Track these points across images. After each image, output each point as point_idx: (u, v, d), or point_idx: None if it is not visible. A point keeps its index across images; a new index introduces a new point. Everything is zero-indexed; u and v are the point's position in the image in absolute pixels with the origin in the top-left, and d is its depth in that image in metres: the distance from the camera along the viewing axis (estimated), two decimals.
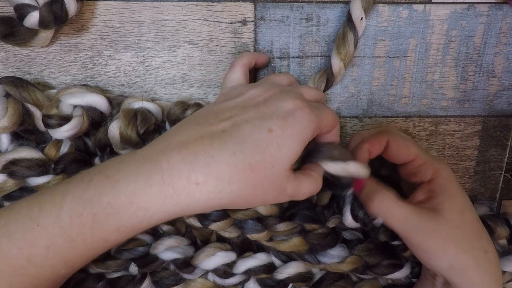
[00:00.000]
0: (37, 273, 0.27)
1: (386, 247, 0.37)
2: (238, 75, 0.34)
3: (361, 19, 0.35)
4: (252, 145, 0.26)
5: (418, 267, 0.38)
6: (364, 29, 0.37)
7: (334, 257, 0.36)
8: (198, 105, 0.35)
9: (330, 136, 0.31)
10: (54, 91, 0.36)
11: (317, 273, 0.39)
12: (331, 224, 0.37)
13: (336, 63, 0.36)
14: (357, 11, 0.35)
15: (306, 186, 0.29)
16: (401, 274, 0.37)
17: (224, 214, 0.35)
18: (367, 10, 0.35)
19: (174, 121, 0.35)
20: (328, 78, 0.37)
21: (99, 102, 0.35)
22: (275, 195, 0.28)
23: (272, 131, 0.26)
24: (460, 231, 0.32)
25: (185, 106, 0.35)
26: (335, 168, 0.30)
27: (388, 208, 0.32)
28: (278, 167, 0.27)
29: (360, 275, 0.39)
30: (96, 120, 0.35)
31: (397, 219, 0.32)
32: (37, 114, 0.34)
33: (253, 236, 0.36)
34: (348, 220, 0.36)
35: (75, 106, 0.34)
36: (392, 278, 0.38)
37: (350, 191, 0.35)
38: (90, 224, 0.26)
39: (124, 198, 0.26)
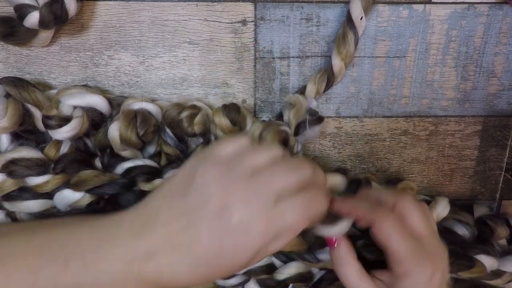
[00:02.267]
0: None
1: None
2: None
3: (361, 18, 0.35)
4: (206, 260, 0.27)
5: None
6: (364, 29, 0.37)
7: None
8: (194, 107, 0.35)
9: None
10: (54, 91, 0.36)
11: (317, 273, 0.39)
12: None
13: (337, 63, 0.36)
14: (356, 10, 0.35)
15: (271, 249, 0.28)
16: None
17: None
18: (366, 9, 0.35)
19: (170, 123, 0.35)
20: (329, 78, 0.37)
21: (99, 103, 0.35)
22: (241, 269, 0.30)
23: (264, 250, 0.27)
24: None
25: (180, 108, 0.35)
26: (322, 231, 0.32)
27: (350, 280, 0.32)
28: (238, 266, 0.27)
29: None
30: (96, 121, 0.35)
31: None
32: (37, 114, 0.34)
33: None
34: None
35: (75, 107, 0.34)
36: None
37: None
38: None
39: None
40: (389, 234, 0.30)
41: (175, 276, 0.26)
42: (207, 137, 0.37)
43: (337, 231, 0.32)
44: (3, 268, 0.26)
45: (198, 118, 0.35)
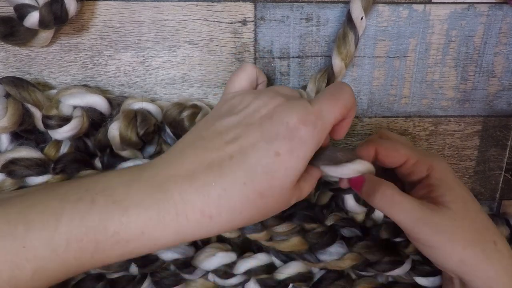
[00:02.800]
0: None
1: (387, 244, 0.37)
2: (243, 82, 0.32)
3: (361, 18, 0.35)
4: (261, 173, 0.25)
5: (420, 264, 0.38)
6: (364, 29, 0.37)
7: (333, 255, 0.36)
8: (195, 107, 0.35)
9: (344, 125, 0.30)
10: (54, 91, 0.36)
11: (317, 273, 0.39)
12: (329, 221, 0.37)
13: (337, 63, 0.36)
14: (357, 10, 0.35)
15: (306, 191, 0.29)
16: (401, 271, 0.37)
17: None
18: (367, 9, 0.35)
19: (171, 123, 0.35)
20: (329, 78, 0.37)
21: (99, 102, 0.35)
22: (281, 208, 0.28)
23: (280, 155, 0.26)
24: (465, 223, 0.31)
25: (181, 107, 0.35)
26: (336, 171, 0.30)
27: (391, 200, 0.31)
28: (286, 189, 0.26)
29: (361, 272, 0.39)
30: (96, 121, 0.35)
31: (400, 211, 0.31)
32: (37, 114, 0.34)
33: (253, 236, 0.36)
34: (350, 204, 0.35)
35: (75, 107, 0.34)
36: (392, 274, 0.38)
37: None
38: (91, 250, 0.24)
39: (135, 229, 0.25)
40: (395, 149, 0.33)
41: (225, 197, 0.25)
42: None
43: (358, 168, 0.30)
44: (24, 218, 0.24)
45: (199, 118, 0.35)
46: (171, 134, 0.36)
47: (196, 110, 0.35)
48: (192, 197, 0.25)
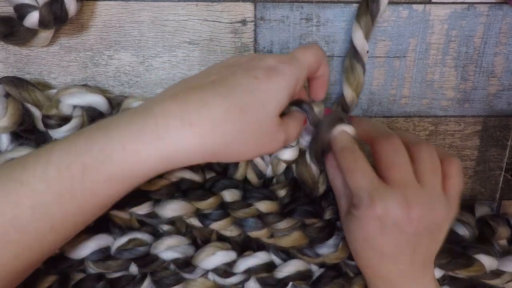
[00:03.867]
0: (21, 239, 0.25)
1: None
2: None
3: (367, 52, 0.36)
4: (241, 90, 0.27)
5: None
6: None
7: (331, 247, 0.36)
8: None
9: (321, 72, 0.32)
10: (54, 91, 0.36)
11: (316, 271, 0.39)
12: (327, 215, 0.37)
13: (349, 94, 0.37)
14: (359, 41, 0.36)
15: (294, 127, 0.31)
16: None
17: (224, 213, 0.35)
18: (368, 36, 0.36)
19: None
20: (343, 108, 0.38)
21: (99, 102, 0.35)
22: (267, 141, 0.29)
23: (258, 78, 0.27)
24: None
25: None
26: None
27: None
28: (267, 111, 0.28)
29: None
30: (96, 121, 0.35)
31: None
32: (37, 114, 0.34)
33: (254, 234, 0.36)
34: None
35: (74, 107, 0.34)
36: None
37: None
38: (79, 176, 0.25)
39: (117, 144, 0.25)
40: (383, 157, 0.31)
41: (206, 107, 0.26)
42: None
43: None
44: (19, 162, 0.27)
45: None
46: None
47: None
48: (172, 108, 0.26)
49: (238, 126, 0.27)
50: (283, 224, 0.35)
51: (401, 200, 0.29)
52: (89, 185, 0.26)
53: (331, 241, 0.37)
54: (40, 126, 0.35)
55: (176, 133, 0.26)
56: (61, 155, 0.26)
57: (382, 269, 0.31)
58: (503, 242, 0.39)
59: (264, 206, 0.35)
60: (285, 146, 0.33)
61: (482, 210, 0.42)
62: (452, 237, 0.39)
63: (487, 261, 0.37)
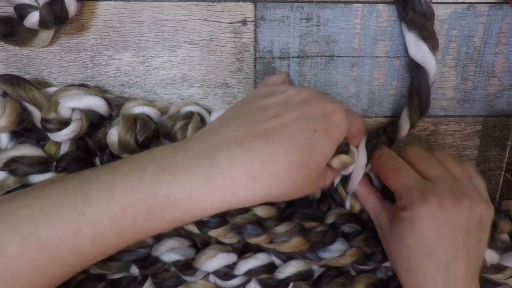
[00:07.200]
0: (78, 262, 0.26)
1: None
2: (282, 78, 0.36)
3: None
4: (302, 144, 0.27)
5: None
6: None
7: (335, 252, 0.36)
8: (187, 116, 0.35)
9: (355, 140, 0.34)
10: (52, 89, 0.35)
11: (317, 271, 0.39)
12: (330, 219, 0.37)
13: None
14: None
15: (329, 180, 0.33)
16: None
17: (222, 220, 0.35)
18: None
19: (165, 134, 0.35)
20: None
21: (97, 104, 0.34)
22: (311, 188, 0.31)
23: (317, 132, 0.28)
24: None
25: (174, 119, 0.35)
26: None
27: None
28: (320, 165, 0.29)
29: (361, 267, 0.39)
30: (95, 123, 0.35)
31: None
32: (35, 112, 0.34)
33: (253, 240, 0.36)
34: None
35: (73, 109, 0.34)
36: (389, 265, 0.38)
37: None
38: (144, 215, 0.26)
39: (183, 192, 0.26)
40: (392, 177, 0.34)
41: (270, 162, 0.26)
42: None
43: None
44: (81, 190, 0.26)
45: (190, 130, 0.34)
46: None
47: (188, 120, 0.35)
48: (240, 160, 0.26)
49: (296, 180, 0.28)
50: (282, 228, 0.35)
51: (450, 193, 0.31)
52: (151, 225, 0.26)
53: (335, 246, 0.36)
54: (40, 124, 0.34)
55: (241, 188, 0.26)
56: (125, 193, 0.26)
57: (437, 280, 0.31)
58: (505, 237, 0.39)
59: (262, 210, 0.35)
60: None
61: None
62: None
63: (488, 255, 0.37)
